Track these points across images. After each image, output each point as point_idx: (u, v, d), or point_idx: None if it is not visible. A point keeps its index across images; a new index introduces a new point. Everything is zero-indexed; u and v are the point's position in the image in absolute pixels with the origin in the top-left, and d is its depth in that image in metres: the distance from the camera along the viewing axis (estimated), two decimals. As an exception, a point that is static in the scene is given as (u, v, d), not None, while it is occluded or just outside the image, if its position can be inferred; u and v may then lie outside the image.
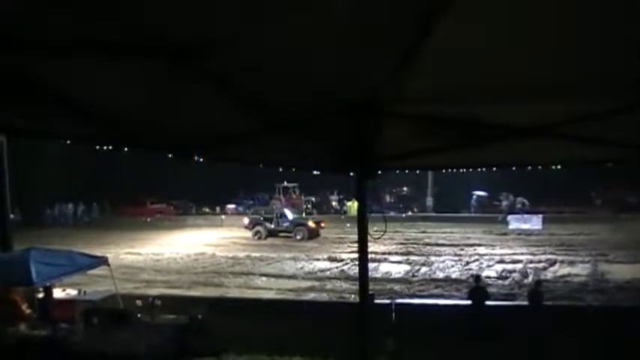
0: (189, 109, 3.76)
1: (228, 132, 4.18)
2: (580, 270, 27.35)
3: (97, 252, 21.34)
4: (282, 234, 44.21)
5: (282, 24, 2.47)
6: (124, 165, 61.99)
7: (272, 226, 44.71)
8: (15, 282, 15.19)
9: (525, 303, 17.22)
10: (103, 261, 17.14)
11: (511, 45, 2.80)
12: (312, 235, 43.06)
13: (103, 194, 65.18)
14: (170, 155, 4.67)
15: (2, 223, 22.29)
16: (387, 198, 56.82)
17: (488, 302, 16.76)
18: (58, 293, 17.48)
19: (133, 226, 53.82)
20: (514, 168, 6.78)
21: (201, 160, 4.90)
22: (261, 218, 45.74)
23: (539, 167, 6.77)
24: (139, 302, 16.28)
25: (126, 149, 4.98)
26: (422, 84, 3.32)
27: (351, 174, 5.25)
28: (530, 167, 6.80)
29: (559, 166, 6.25)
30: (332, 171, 6.02)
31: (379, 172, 5.33)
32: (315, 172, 6.61)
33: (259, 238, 43.89)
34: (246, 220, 47.38)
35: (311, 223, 44.51)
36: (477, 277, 18.18)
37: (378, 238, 5.95)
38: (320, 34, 2.59)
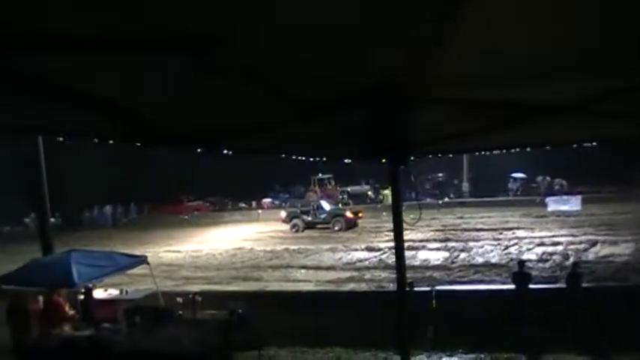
0: (216, 103, 3.73)
1: (258, 123, 4.15)
2: (622, 250, 26.89)
3: (137, 251, 21.57)
4: (319, 226, 44.16)
5: (309, 7, 2.42)
6: (159, 164, 62.77)
7: (309, 218, 44.71)
8: (57, 284, 15.40)
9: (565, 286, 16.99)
10: (142, 260, 17.31)
11: (541, 21, 2.73)
12: (350, 225, 42.90)
13: (140, 194, 65.83)
14: (199, 150, 4.64)
15: (42, 227, 22.65)
16: (423, 185, 56.55)
17: (530, 286, 16.61)
18: (99, 293, 17.70)
19: (171, 224, 54.31)
20: (549, 147, 6.64)
21: (231, 153, 4.86)
22: (299, 211, 45.79)
23: (575, 145, 6.65)
24: (179, 299, 16.38)
25: (155, 147, 5.00)
26: (453, 67, 3.25)
27: (383, 161, 5.20)
28: (566, 145, 6.70)
29: (594, 143, 6.11)
30: (364, 159, 5.95)
31: (412, 158, 5.27)
32: (346, 161, 6.56)
33: (297, 231, 43.89)
34: (283, 214, 47.40)
35: (348, 214, 44.35)
36: (521, 262, 17.96)
37: (415, 222, 5.89)
38: (349, 17, 2.54)
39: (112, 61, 2.75)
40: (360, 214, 45.14)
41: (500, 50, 3.09)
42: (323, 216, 44.53)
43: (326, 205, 45.98)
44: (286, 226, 45.24)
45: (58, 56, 2.57)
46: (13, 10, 2.14)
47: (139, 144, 4.55)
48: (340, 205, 51.27)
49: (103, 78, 3.00)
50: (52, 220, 25.23)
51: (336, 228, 42.61)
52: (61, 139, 4.40)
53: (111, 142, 4.60)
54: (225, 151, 4.66)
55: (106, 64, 2.80)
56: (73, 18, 2.27)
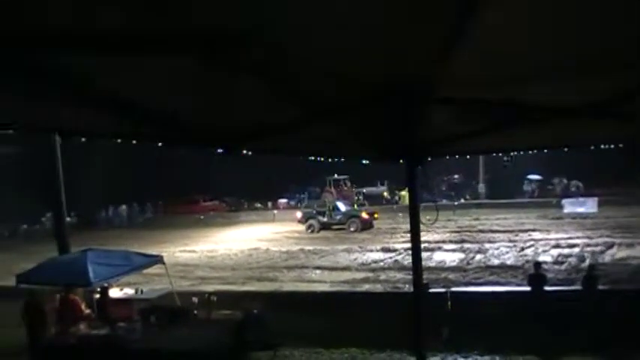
0: (235, 103, 3.75)
1: (276, 123, 4.16)
2: (639, 252, 26.69)
3: (152, 251, 21.63)
4: (335, 226, 44.10)
5: (327, 7, 2.42)
6: (175, 165, 62.96)
7: (325, 219, 44.65)
8: (73, 283, 15.49)
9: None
10: (158, 260, 17.38)
11: (557, 21, 2.72)
12: (366, 226, 42.83)
13: (156, 194, 66.07)
14: (220, 151, 4.64)
15: (59, 226, 22.76)
16: (439, 186, 56.40)
17: (546, 288, 16.53)
18: (115, 292, 17.75)
19: (187, 224, 54.50)
20: (566, 149, 6.61)
21: (250, 153, 4.87)
22: (314, 212, 45.79)
23: (592, 147, 6.61)
24: (195, 299, 16.40)
25: (175, 146, 5.02)
26: (469, 67, 3.25)
27: (401, 162, 5.19)
28: (583, 147, 6.67)
29: (611, 146, 6.07)
30: (382, 160, 5.95)
31: (429, 158, 5.27)
32: (364, 162, 6.55)
33: (312, 232, 43.89)
34: (299, 214, 47.44)
35: (364, 215, 44.29)
36: (537, 264, 17.87)
37: (432, 224, 5.87)
38: (366, 16, 2.54)
39: (134, 61, 2.76)
40: (375, 215, 45.06)
41: (515, 49, 3.08)
42: (339, 217, 44.46)
43: (342, 206, 45.93)
44: (302, 227, 45.23)
45: (82, 56, 2.59)
46: (40, 10, 2.16)
47: (161, 144, 4.58)
48: (356, 206, 51.20)
49: (126, 78, 3.02)
50: (68, 219, 25.31)
51: (352, 229, 42.54)
52: (83, 139, 4.42)
53: (134, 142, 4.62)
54: (244, 152, 4.67)
55: (129, 64, 2.81)
56: (98, 17, 2.28)
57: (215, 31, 2.48)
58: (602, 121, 4.38)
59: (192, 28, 2.44)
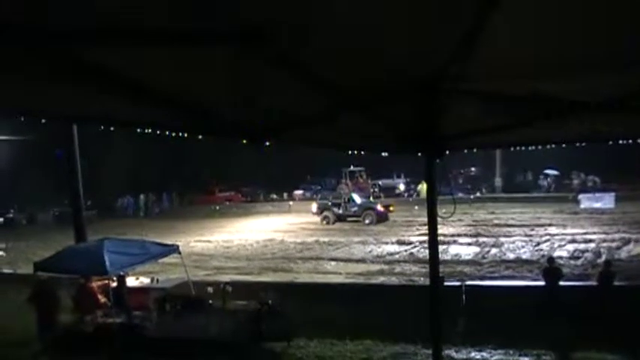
0: (261, 94, 3.76)
1: (299, 115, 4.17)
2: (656, 249, 26.58)
3: (168, 241, 21.72)
4: (350, 218, 43.88)
5: (358, 4, 2.44)
6: (192, 155, 63.19)
7: (340, 210, 44.44)
8: (90, 272, 15.62)
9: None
10: (174, 249, 17.45)
11: (583, 12, 2.71)
12: (381, 219, 42.58)
13: (173, 184, 66.28)
14: (244, 141, 4.65)
15: (76, 215, 22.94)
16: (456, 179, 56.29)
17: (561, 282, 16.49)
18: (131, 281, 17.87)
19: (203, 214, 54.71)
20: (584, 144, 6.58)
21: (272, 144, 4.90)
22: (330, 203, 45.59)
23: (611, 142, 6.57)
24: (210, 289, 16.51)
25: (199, 136, 5.03)
26: (490, 60, 3.25)
27: (419, 154, 5.19)
28: (602, 142, 6.62)
29: (629, 141, 6.03)
30: (400, 151, 5.94)
31: (447, 151, 5.26)
32: (383, 154, 6.55)
33: (328, 223, 43.78)
34: (314, 206, 47.28)
35: (379, 207, 44.07)
36: (551, 259, 17.83)
37: (449, 217, 5.87)
38: (392, 9, 2.54)
39: (161, 52, 2.78)
40: (391, 208, 44.89)
41: (532, 42, 3.07)
42: (354, 209, 44.22)
43: (357, 198, 45.72)
44: (317, 218, 45.12)
45: (113, 47, 2.61)
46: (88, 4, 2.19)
47: (185, 134, 4.62)
48: (371, 198, 51.12)
49: (153, 68, 3.04)
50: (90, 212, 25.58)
51: (367, 221, 42.34)
52: (112, 128, 4.45)
53: (158, 132, 4.64)
54: (267, 143, 4.68)
55: (160, 55, 2.83)
56: (125, 11, 2.30)
57: (241, 24, 2.50)
58: (628, 116, 4.36)
59: (218, 20, 2.46)
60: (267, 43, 2.63)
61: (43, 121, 4.37)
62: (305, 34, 2.69)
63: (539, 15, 2.71)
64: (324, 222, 44.22)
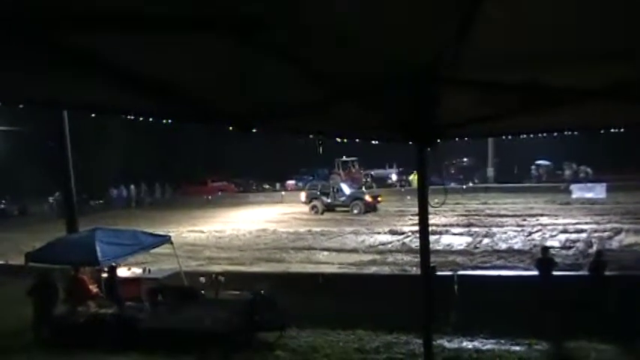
0: (253, 82, 3.76)
1: (291, 103, 4.17)
2: (647, 238, 26.66)
3: (160, 231, 21.70)
4: (339, 208, 44.00)
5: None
6: (184, 145, 63.00)
7: (329, 200, 44.52)
8: (82, 262, 15.59)
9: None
10: (166, 239, 17.44)
11: (577, 1, 2.70)
12: (369, 209, 42.59)
13: (165, 174, 66.09)
14: (231, 128, 4.63)
15: (68, 205, 22.87)
16: (448, 169, 56.32)
17: (554, 273, 16.51)
18: (123, 272, 17.84)
19: (195, 204, 54.59)
20: (576, 133, 6.59)
21: (262, 132, 4.88)
22: (318, 193, 45.54)
23: (602, 131, 6.59)
24: (202, 279, 16.47)
25: (191, 123, 5.05)
26: (482, 49, 3.24)
27: (410, 143, 5.18)
28: (594, 131, 6.65)
29: (622, 130, 6.03)
30: (391, 140, 5.95)
31: (439, 140, 5.25)
32: (373, 142, 6.55)
33: (316, 213, 43.83)
34: (303, 195, 47.41)
35: (368, 197, 44.08)
36: (545, 249, 17.83)
37: (439, 206, 5.86)
38: None
39: (156, 39, 2.77)
40: (379, 199, 44.79)
41: (526, 31, 3.07)
42: (342, 199, 44.24)
43: (346, 188, 45.70)
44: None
45: (104, 33, 2.60)
46: None
47: (177, 121, 4.61)
48: (363, 188, 51.13)
49: (149, 56, 3.03)
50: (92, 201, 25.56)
51: (355, 211, 42.37)
52: (98, 115, 4.43)
53: (151, 119, 4.62)
54: (254, 130, 4.66)
55: (152, 42, 2.82)
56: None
57: (237, 11, 2.48)
58: (624, 104, 4.36)
59: (214, 8, 2.45)
60: (262, 31, 2.62)
61: (33, 110, 4.38)
62: (302, 24, 2.68)
63: (533, 3, 2.70)
64: (313, 211, 44.30)
